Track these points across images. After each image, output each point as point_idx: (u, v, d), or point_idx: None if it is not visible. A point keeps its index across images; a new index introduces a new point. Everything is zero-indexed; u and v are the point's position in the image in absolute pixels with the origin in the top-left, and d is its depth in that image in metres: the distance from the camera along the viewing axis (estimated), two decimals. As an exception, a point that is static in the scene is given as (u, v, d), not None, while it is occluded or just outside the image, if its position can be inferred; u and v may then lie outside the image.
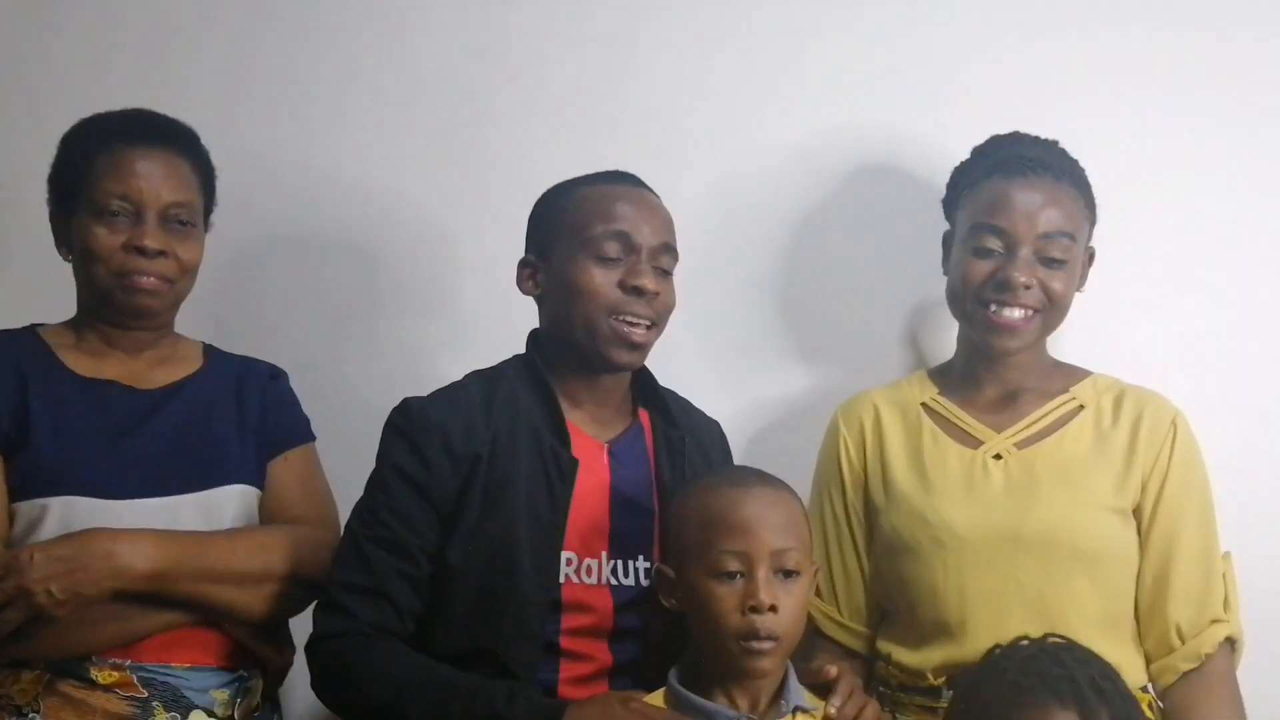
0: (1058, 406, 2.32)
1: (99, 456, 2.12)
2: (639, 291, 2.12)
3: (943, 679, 2.21)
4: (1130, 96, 2.62)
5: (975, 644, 2.16)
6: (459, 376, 2.23)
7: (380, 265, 2.74)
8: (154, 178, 2.18)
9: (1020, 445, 2.29)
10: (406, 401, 2.17)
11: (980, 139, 2.38)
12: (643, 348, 2.16)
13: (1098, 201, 2.35)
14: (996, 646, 2.07)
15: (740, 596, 1.90)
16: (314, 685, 2.10)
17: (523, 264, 2.23)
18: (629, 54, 2.72)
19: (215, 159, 2.30)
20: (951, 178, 2.40)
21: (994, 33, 2.66)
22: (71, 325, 2.26)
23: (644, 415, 2.25)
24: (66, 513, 2.07)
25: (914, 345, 2.65)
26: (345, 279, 2.74)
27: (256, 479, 2.24)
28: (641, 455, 2.21)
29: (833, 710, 1.96)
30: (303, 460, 2.30)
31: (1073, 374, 2.38)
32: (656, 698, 1.94)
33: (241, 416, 2.26)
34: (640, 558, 2.15)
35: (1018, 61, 2.64)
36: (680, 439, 2.23)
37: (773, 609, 1.89)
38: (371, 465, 2.17)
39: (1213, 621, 2.24)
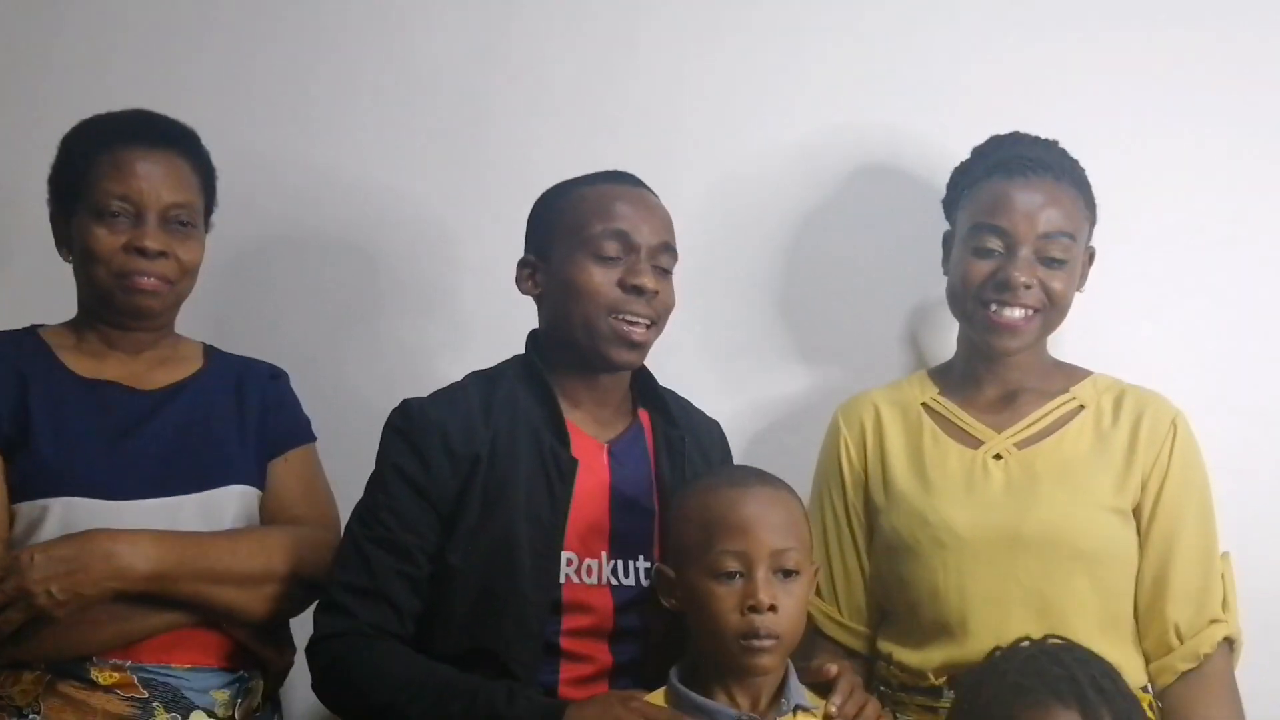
0: (1058, 406, 2.32)
1: (99, 457, 2.12)
2: (638, 290, 2.12)
3: (943, 679, 2.21)
4: (1130, 96, 2.62)
5: (976, 644, 2.16)
6: (459, 377, 2.23)
7: (380, 265, 2.74)
8: (154, 178, 2.18)
9: (1020, 445, 2.29)
10: (406, 402, 2.17)
11: (980, 139, 2.38)
12: (642, 347, 2.16)
13: (1098, 201, 2.35)
14: (997, 648, 2.08)
15: (740, 596, 1.90)
16: (314, 686, 2.10)
17: (522, 264, 2.23)
18: (629, 54, 2.72)
19: (215, 159, 2.30)
20: (952, 178, 2.40)
21: (994, 33, 2.66)
22: (72, 326, 2.26)
23: (644, 415, 2.25)
24: (67, 513, 2.08)
25: (914, 345, 2.65)
26: (345, 279, 2.75)
27: (257, 479, 2.24)
28: (641, 455, 2.21)
29: (833, 709, 1.96)
30: (303, 461, 2.31)
31: (1073, 374, 2.38)
32: (657, 697, 1.94)
33: (242, 417, 2.26)
34: (640, 558, 2.15)
35: (1018, 61, 2.64)
36: (680, 439, 2.23)
37: (772, 609, 1.89)
38: (371, 465, 2.17)
39: (1211, 621, 2.24)
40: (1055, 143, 2.34)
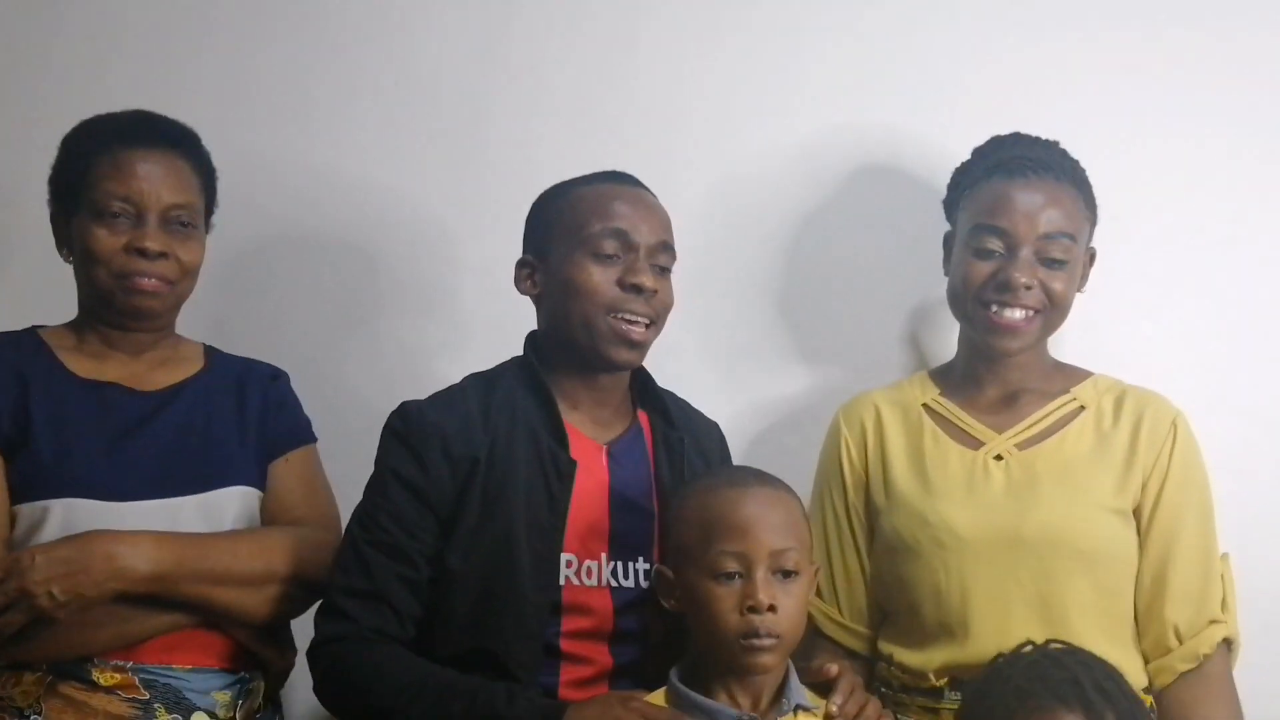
0: (1058, 407, 2.32)
1: (100, 458, 2.12)
2: (637, 289, 2.12)
3: (944, 680, 2.21)
4: (1130, 96, 2.62)
5: (977, 645, 2.17)
6: (459, 377, 2.23)
7: (380, 265, 2.74)
8: (155, 179, 2.18)
9: (1021, 446, 2.29)
10: (404, 405, 2.16)
11: (981, 139, 2.38)
12: (641, 346, 2.16)
13: (1098, 202, 2.35)
14: (1000, 654, 2.08)
15: (739, 596, 1.90)
16: (316, 690, 2.10)
17: (520, 264, 2.23)
18: (629, 54, 2.72)
19: (216, 160, 2.30)
20: (952, 178, 2.40)
21: (994, 33, 2.66)
22: (72, 327, 2.26)
23: (643, 416, 2.25)
24: (68, 515, 2.07)
25: (915, 346, 2.65)
26: (345, 279, 2.74)
27: (258, 480, 2.24)
28: (641, 456, 2.21)
29: (834, 708, 1.96)
30: (304, 461, 2.30)
31: (1073, 375, 2.38)
32: (658, 697, 1.94)
33: (242, 418, 2.26)
34: (640, 559, 2.15)
35: (1018, 61, 2.64)
36: (679, 440, 2.23)
37: (771, 609, 1.89)
38: (371, 466, 2.17)
39: (1211, 622, 2.25)
40: (1056, 143, 2.34)
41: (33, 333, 2.25)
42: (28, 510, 2.09)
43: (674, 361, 2.39)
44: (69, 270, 2.24)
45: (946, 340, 2.50)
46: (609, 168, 2.24)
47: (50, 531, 2.07)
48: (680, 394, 2.33)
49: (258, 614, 2.15)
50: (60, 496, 2.08)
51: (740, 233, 2.68)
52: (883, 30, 2.68)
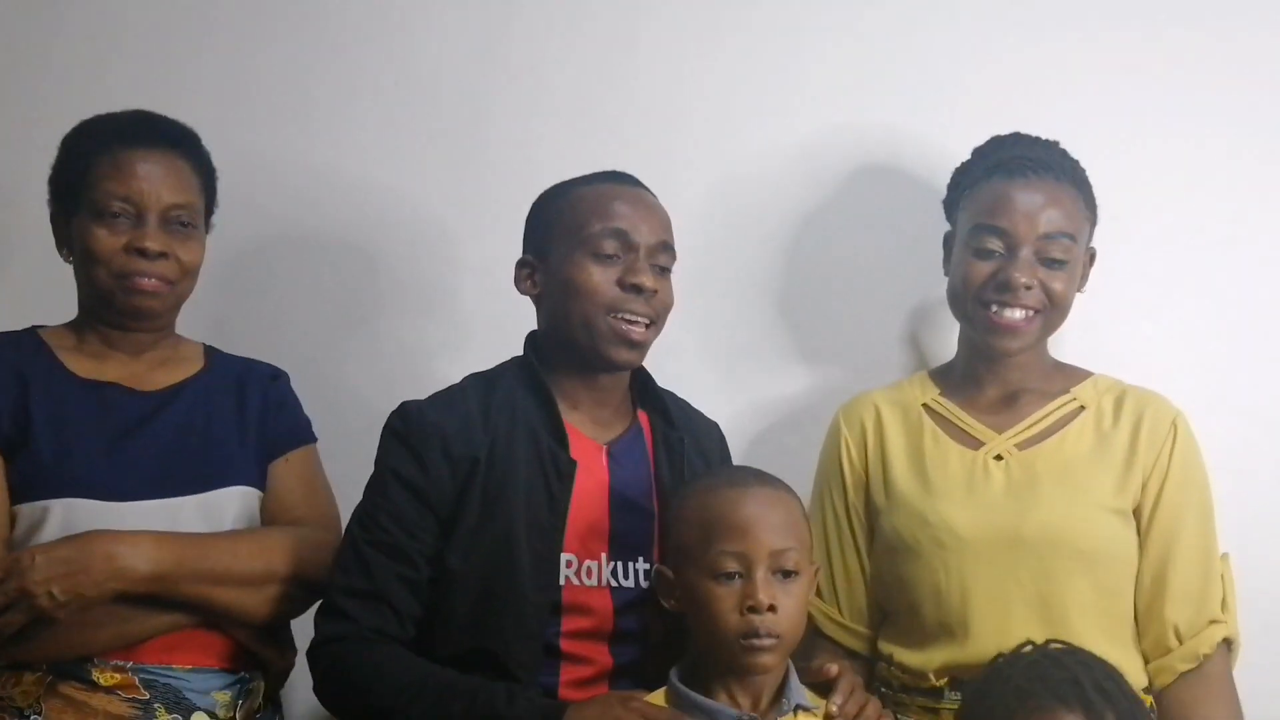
0: (1059, 407, 2.32)
1: (100, 458, 2.12)
2: (637, 289, 2.12)
3: (944, 680, 2.21)
4: (1130, 96, 2.62)
5: (977, 645, 2.17)
6: (459, 377, 2.23)
7: (380, 265, 2.74)
8: (155, 179, 2.18)
9: (1021, 446, 2.29)
10: (404, 405, 2.16)
11: (981, 139, 2.38)
12: (641, 346, 2.16)
13: (1098, 202, 2.35)
14: (1000, 654, 2.08)
15: (739, 596, 1.90)
16: (316, 690, 2.10)
17: (520, 264, 2.22)
18: (629, 54, 2.72)
19: (216, 160, 2.30)
20: (952, 178, 2.40)
21: (994, 33, 2.66)
22: (72, 327, 2.26)
23: (643, 416, 2.25)
24: (68, 515, 2.07)
25: (915, 346, 2.65)
26: (345, 279, 2.74)
27: (258, 480, 2.24)
28: (641, 456, 2.21)
29: (834, 708, 1.96)
30: (304, 461, 2.30)
31: (1074, 375, 2.38)
32: (658, 697, 1.94)
33: (242, 418, 2.26)
34: (640, 559, 2.15)
35: (1018, 61, 2.64)
36: (679, 440, 2.23)
37: (771, 609, 1.89)
38: (371, 466, 2.17)
39: (1210, 622, 2.25)
40: (1056, 143, 2.34)
41: (33, 333, 2.25)
42: (28, 510, 2.09)
43: (674, 361, 2.39)
44: (69, 270, 2.24)
45: (946, 340, 2.50)
46: (609, 168, 2.24)
47: (50, 531, 2.07)
48: (680, 394, 2.33)
49: (258, 614, 2.15)
50: (60, 496, 2.08)
51: (740, 233, 2.68)
52: (883, 30, 2.68)
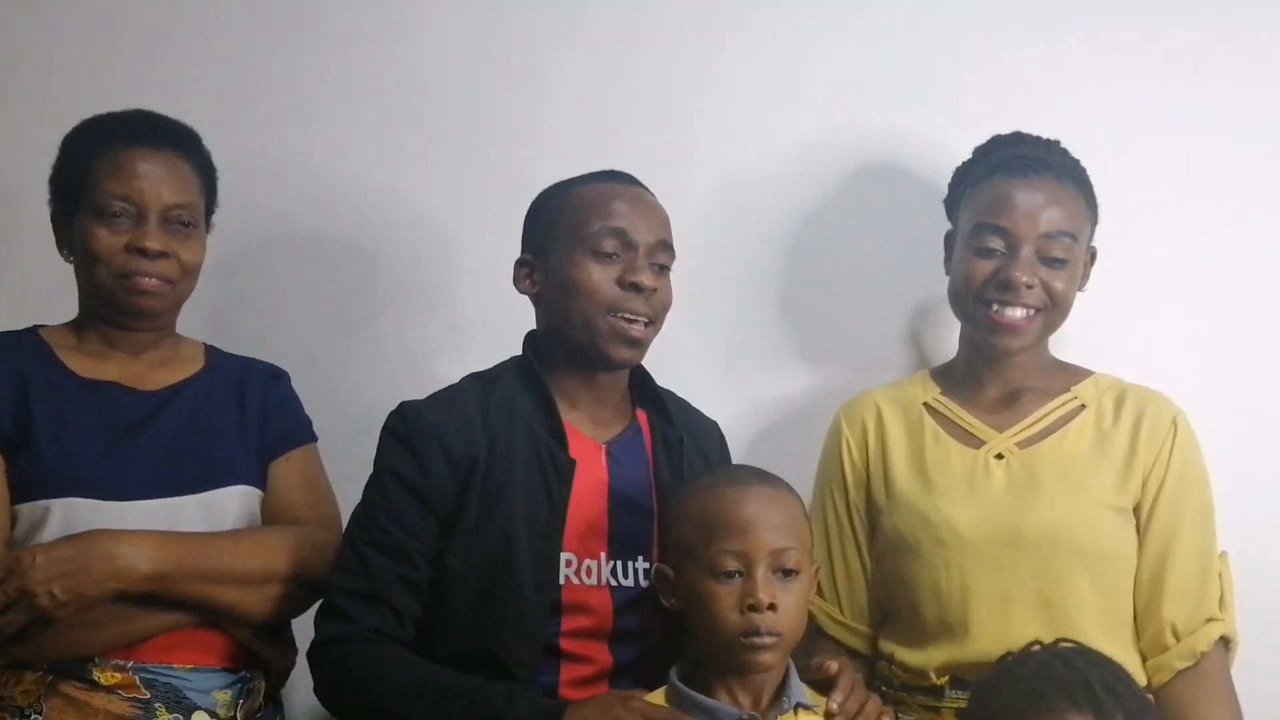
0: (1059, 406, 2.33)
1: (101, 458, 2.12)
2: (637, 288, 2.12)
3: (945, 679, 2.21)
4: (1130, 96, 2.62)
5: (978, 644, 2.17)
6: (459, 377, 2.24)
7: (380, 265, 2.74)
8: (155, 179, 2.18)
9: (1022, 445, 2.29)
10: (403, 405, 2.16)
11: (981, 139, 2.38)
12: (641, 344, 2.16)
13: (1099, 201, 2.35)
14: (1009, 653, 2.08)
15: (739, 595, 1.90)
16: (316, 691, 2.10)
17: (519, 263, 2.22)
18: (630, 54, 2.72)
19: (216, 159, 2.30)
20: (953, 177, 2.40)
21: (994, 33, 2.66)
22: (73, 326, 2.26)
23: (642, 416, 2.25)
24: (68, 514, 2.07)
25: (916, 345, 2.65)
26: (345, 279, 2.74)
27: (258, 480, 2.24)
28: (640, 455, 2.21)
29: (834, 706, 1.96)
30: (305, 461, 2.30)
31: (1074, 373, 2.38)
32: (658, 696, 1.94)
33: (243, 417, 2.26)
34: (640, 558, 2.15)
35: (1018, 61, 2.64)
36: (678, 439, 2.23)
37: (772, 607, 1.89)
38: (371, 466, 2.17)
39: (1208, 620, 2.25)
40: (1057, 143, 2.34)
41: (33, 332, 2.25)
42: (28, 510, 2.09)
43: (674, 361, 2.39)
44: (70, 270, 2.24)
45: (947, 339, 2.50)
46: (609, 167, 2.24)
47: (51, 531, 2.07)
48: (680, 394, 2.33)
49: (258, 613, 2.15)
50: (61, 496, 2.08)
51: (740, 232, 2.68)
52: (883, 30, 2.68)
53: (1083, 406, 2.32)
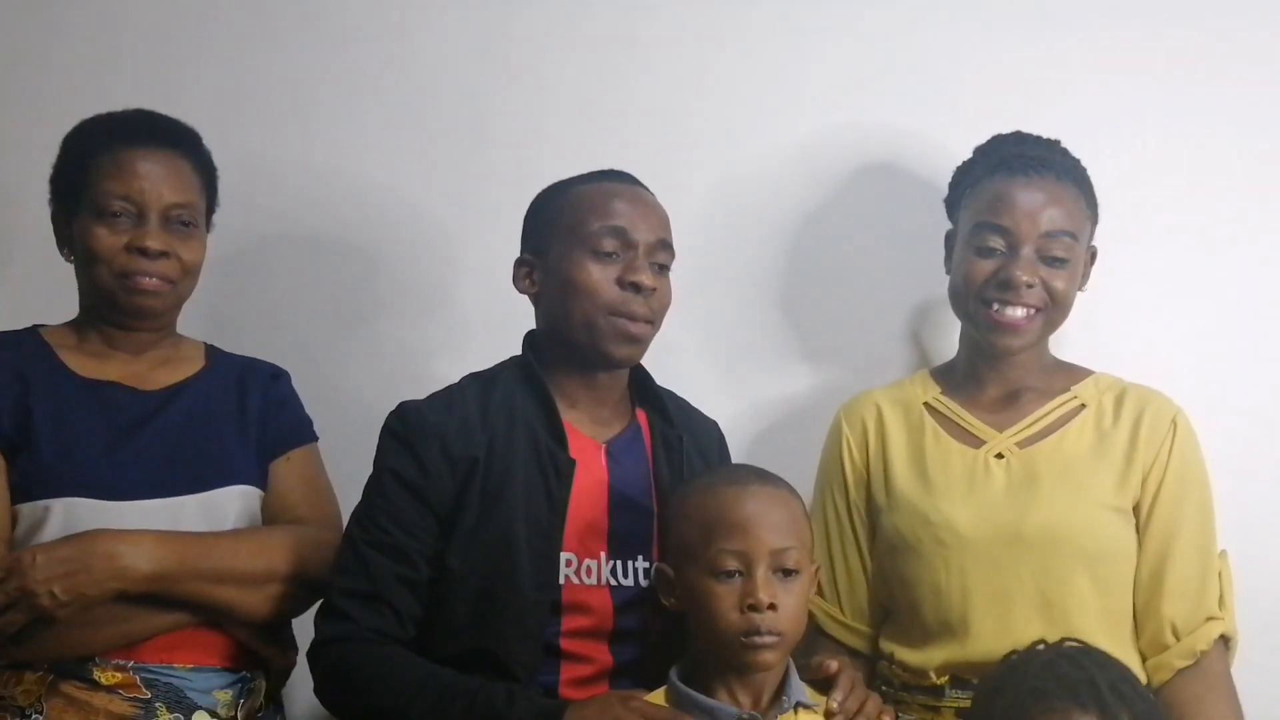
0: (1059, 405, 2.33)
1: (101, 458, 2.12)
2: (636, 287, 2.12)
3: (945, 678, 2.21)
4: (1130, 96, 2.62)
5: (978, 643, 2.17)
6: (459, 377, 2.23)
7: (380, 265, 2.74)
8: (156, 178, 2.18)
9: (1022, 444, 2.29)
10: (403, 405, 2.16)
11: (981, 139, 2.38)
12: (641, 341, 2.16)
13: (1099, 201, 2.35)
14: (1014, 651, 2.08)
15: (739, 595, 1.89)
16: (316, 691, 2.10)
17: (519, 263, 2.22)
18: (630, 54, 2.72)
19: (217, 159, 2.30)
20: (954, 177, 2.40)
21: (994, 33, 2.66)
22: (73, 326, 2.26)
23: (641, 415, 2.25)
24: (69, 514, 2.07)
25: (916, 344, 2.65)
26: (345, 279, 2.74)
27: (259, 479, 2.24)
28: (640, 455, 2.21)
29: (834, 705, 1.95)
30: (305, 460, 2.30)
31: (1074, 373, 2.38)
32: (658, 696, 1.94)
33: (243, 417, 2.26)
34: (639, 558, 2.15)
35: (1018, 61, 2.64)
36: (678, 438, 2.22)
37: (772, 607, 1.88)
38: (371, 466, 2.17)
39: (1208, 619, 2.25)
40: (1057, 142, 2.34)
41: (34, 332, 2.25)
42: (29, 510, 2.09)
43: (674, 361, 2.39)
44: (70, 270, 2.24)
45: (948, 339, 2.50)
46: (609, 167, 2.24)
47: (51, 531, 2.07)
48: (680, 394, 2.33)
49: (259, 613, 2.15)
50: (61, 496, 2.08)
51: (741, 232, 2.68)
52: (883, 30, 2.68)
53: (1083, 406, 2.33)
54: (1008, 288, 2.25)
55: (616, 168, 2.24)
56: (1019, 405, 2.33)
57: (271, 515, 2.24)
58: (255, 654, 2.18)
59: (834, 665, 2.01)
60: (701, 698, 1.91)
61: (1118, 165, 2.49)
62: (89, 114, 2.27)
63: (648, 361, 2.23)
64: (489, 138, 2.73)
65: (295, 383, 2.38)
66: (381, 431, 2.16)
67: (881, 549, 2.33)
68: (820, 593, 2.32)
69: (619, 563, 2.14)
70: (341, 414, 2.49)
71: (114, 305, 2.20)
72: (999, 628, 2.16)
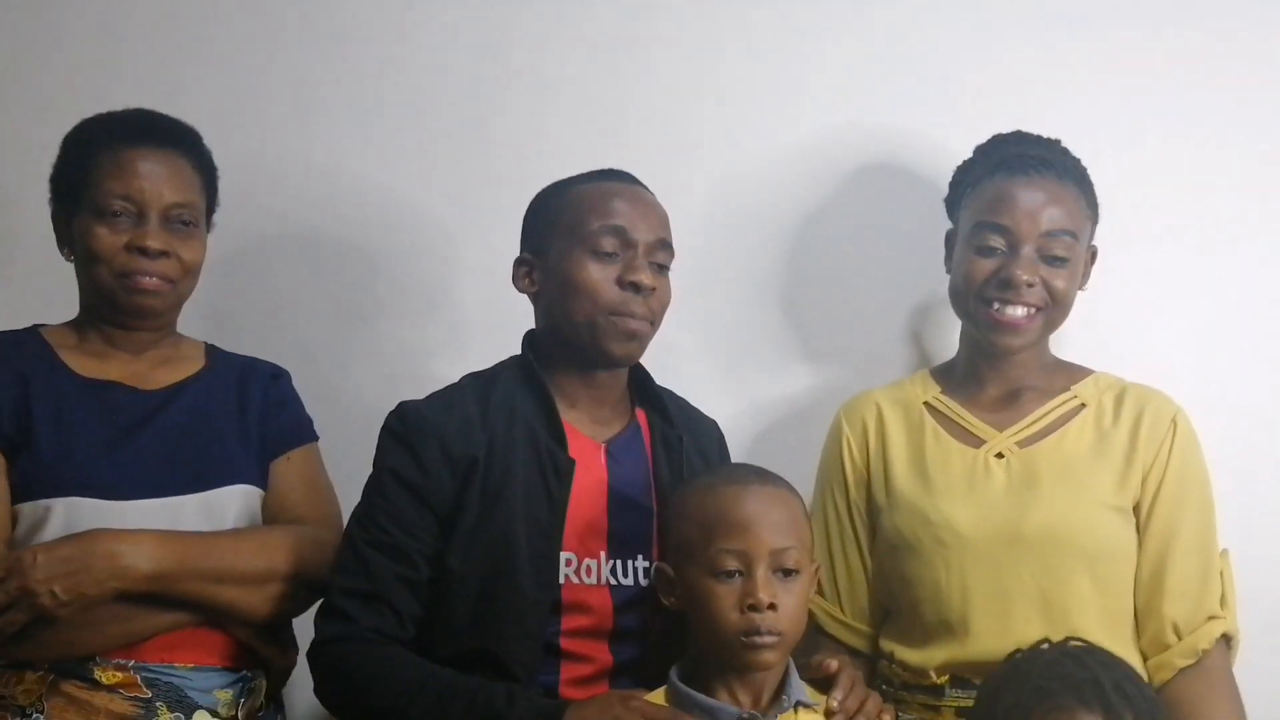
0: (1059, 405, 2.33)
1: (101, 457, 2.12)
2: (636, 287, 2.12)
3: (945, 678, 2.21)
4: (1130, 96, 2.62)
5: (978, 643, 2.18)
6: (459, 377, 2.24)
7: (380, 265, 2.74)
8: (156, 178, 2.18)
9: (1022, 444, 2.29)
10: (402, 405, 2.16)
11: (981, 139, 2.38)
12: (641, 340, 2.16)
13: (1100, 201, 2.35)
14: (1017, 650, 2.07)
15: (739, 595, 1.90)
16: (316, 690, 2.10)
17: (519, 262, 2.22)
18: (630, 55, 2.72)
19: (217, 159, 2.30)
20: (954, 176, 2.40)
21: (994, 33, 2.66)
22: (74, 326, 2.26)
23: (641, 415, 2.25)
24: (69, 514, 2.07)
25: (916, 344, 2.65)
26: (345, 279, 2.74)
27: (259, 479, 2.24)
28: (639, 454, 2.21)
29: (834, 704, 1.95)
30: (305, 460, 2.30)
31: (1075, 372, 2.38)
32: (658, 695, 1.94)
33: (244, 416, 2.26)
34: (639, 557, 2.15)
35: (1018, 61, 2.64)
36: (678, 438, 2.22)
37: (772, 607, 1.88)
38: (371, 465, 2.17)
39: (1209, 618, 2.24)
40: (1058, 142, 2.35)
41: (34, 332, 2.25)
42: (29, 509, 2.09)
43: (674, 361, 2.39)
44: (70, 269, 2.24)
45: (948, 338, 2.50)
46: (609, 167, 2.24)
47: (52, 530, 2.07)
48: (680, 394, 2.33)
49: (259, 613, 2.15)
50: (62, 496, 2.08)
51: (741, 232, 2.68)
52: (883, 30, 2.68)
53: (1083, 405, 2.33)
54: (1008, 287, 2.25)
55: (616, 167, 2.24)
56: (1019, 405, 2.33)
57: (272, 515, 2.24)
58: (256, 653, 2.18)
59: (834, 664, 2.01)
60: (701, 697, 1.91)
61: (1118, 165, 2.48)
62: (89, 114, 2.27)
63: (648, 361, 2.23)
64: (489, 138, 2.73)
65: (295, 383, 2.38)
66: (381, 431, 2.16)
67: (881, 548, 2.33)
68: (820, 592, 2.32)
69: (619, 562, 2.14)
70: (341, 414, 2.49)
71: (114, 305, 2.20)
72: (999, 627, 2.16)
